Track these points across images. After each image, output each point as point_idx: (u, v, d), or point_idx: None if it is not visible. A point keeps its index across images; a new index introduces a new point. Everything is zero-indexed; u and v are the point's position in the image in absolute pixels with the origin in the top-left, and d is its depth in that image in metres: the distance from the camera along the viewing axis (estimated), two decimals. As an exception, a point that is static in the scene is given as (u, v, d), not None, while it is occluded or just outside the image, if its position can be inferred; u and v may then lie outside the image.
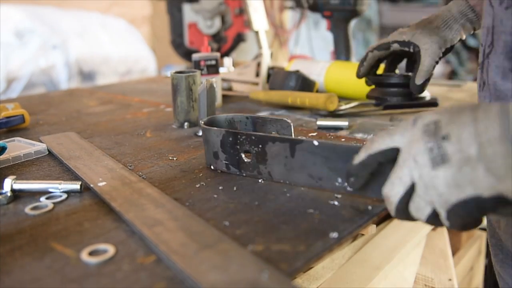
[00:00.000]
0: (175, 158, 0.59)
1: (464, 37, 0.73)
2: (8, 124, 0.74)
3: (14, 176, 0.48)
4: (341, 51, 1.07)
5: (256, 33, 1.04)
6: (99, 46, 2.17)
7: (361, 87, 0.90)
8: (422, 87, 0.75)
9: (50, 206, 0.45)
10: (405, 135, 0.38)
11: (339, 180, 0.44)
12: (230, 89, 1.06)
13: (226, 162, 0.52)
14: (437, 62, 0.73)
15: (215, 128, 0.52)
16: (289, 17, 2.86)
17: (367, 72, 0.81)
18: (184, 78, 0.73)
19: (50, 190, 0.48)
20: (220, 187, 0.49)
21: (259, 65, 1.03)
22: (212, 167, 0.54)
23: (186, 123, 0.75)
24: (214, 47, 1.38)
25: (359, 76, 0.82)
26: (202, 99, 0.67)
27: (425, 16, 0.75)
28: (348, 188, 0.43)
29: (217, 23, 1.38)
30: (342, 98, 0.91)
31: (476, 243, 1.01)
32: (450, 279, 0.75)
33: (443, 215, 0.36)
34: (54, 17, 2.09)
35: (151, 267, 0.34)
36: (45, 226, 0.41)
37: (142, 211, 0.42)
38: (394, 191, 0.37)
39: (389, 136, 0.39)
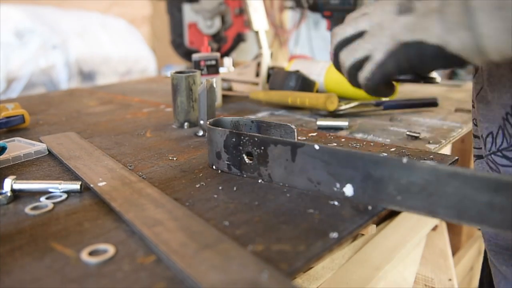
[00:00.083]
0: (175, 158, 0.59)
1: None
2: (8, 124, 0.74)
3: (14, 176, 0.48)
4: (341, 51, 1.06)
5: (256, 33, 1.04)
6: (99, 46, 2.17)
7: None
8: None
9: (50, 206, 0.45)
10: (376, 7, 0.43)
11: (337, 185, 0.44)
12: (230, 89, 1.06)
13: (228, 162, 0.52)
14: None
15: (220, 128, 0.52)
16: (289, 17, 2.86)
17: None
18: (184, 78, 0.73)
19: (50, 190, 0.48)
20: (220, 187, 0.49)
21: (259, 65, 1.03)
22: (214, 167, 0.54)
23: (186, 123, 0.75)
24: (214, 47, 1.38)
25: None
26: (202, 99, 0.67)
27: None
28: (346, 194, 0.44)
29: (217, 23, 1.38)
30: (342, 98, 0.91)
31: (476, 243, 1.01)
32: (450, 279, 0.75)
33: (376, 59, 0.40)
34: (54, 17, 2.09)
35: (151, 267, 0.34)
36: (45, 226, 0.41)
37: (142, 211, 0.42)
38: (350, 57, 0.42)
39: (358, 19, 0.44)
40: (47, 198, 0.47)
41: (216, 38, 1.40)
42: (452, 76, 3.46)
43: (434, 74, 0.49)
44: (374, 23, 0.40)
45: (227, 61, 1.22)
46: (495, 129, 0.51)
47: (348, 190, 0.43)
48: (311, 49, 2.43)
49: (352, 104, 0.83)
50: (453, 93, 1.05)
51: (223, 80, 1.07)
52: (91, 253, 0.36)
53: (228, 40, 1.43)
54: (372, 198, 0.42)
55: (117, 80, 2.18)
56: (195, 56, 0.86)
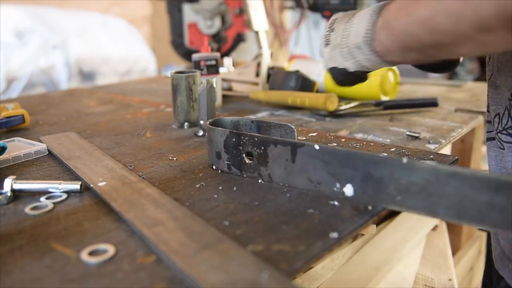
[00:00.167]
0: (175, 158, 0.59)
1: None
2: (8, 124, 0.74)
3: (14, 176, 0.48)
4: (341, 51, 1.06)
5: (256, 33, 1.04)
6: (99, 46, 2.17)
7: (361, 87, 0.90)
8: None
9: (50, 206, 0.45)
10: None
11: (337, 185, 0.44)
12: (230, 89, 1.06)
13: (228, 162, 0.52)
14: None
15: (220, 128, 0.52)
16: (289, 17, 2.86)
17: None
18: (184, 78, 0.73)
19: (50, 190, 0.48)
20: (220, 187, 0.49)
21: (259, 65, 1.03)
22: (214, 167, 0.54)
23: (186, 123, 0.75)
24: (214, 47, 1.38)
25: None
26: (202, 99, 0.67)
27: None
28: (346, 194, 0.44)
29: (217, 23, 1.38)
30: (342, 98, 0.91)
31: (476, 243, 1.01)
32: (450, 279, 0.75)
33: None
34: (54, 17, 2.09)
35: (151, 267, 0.34)
36: (45, 226, 0.41)
37: (142, 211, 0.42)
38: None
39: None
40: (47, 198, 0.47)
41: (216, 38, 1.40)
42: (452, 76, 3.46)
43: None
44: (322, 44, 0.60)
45: (227, 61, 1.22)
46: (501, 110, 0.55)
47: (348, 190, 0.43)
48: (311, 49, 2.43)
49: (352, 104, 0.83)
50: (453, 93, 1.05)
51: (223, 80, 1.07)
52: (91, 253, 0.36)
53: (228, 40, 1.43)
54: (372, 198, 0.42)
55: (117, 80, 2.18)
56: (195, 56, 0.86)
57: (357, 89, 0.90)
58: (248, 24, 1.11)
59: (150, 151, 0.63)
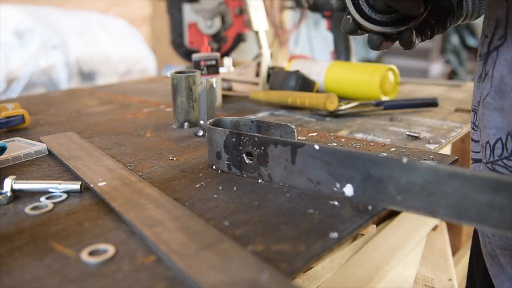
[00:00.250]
0: (175, 158, 0.59)
1: None
2: (8, 124, 0.74)
3: (14, 176, 0.48)
4: (341, 51, 1.07)
5: (256, 33, 1.04)
6: (99, 46, 2.17)
7: (361, 87, 0.90)
8: None
9: (50, 206, 0.45)
10: None
11: (337, 185, 0.44)
12: (230, 89, 1.06)
13: (228, 162, 0.52)
14: None
15: (220, 128, 0.52)
16: (289, 17, 2.86)
17: None
18: (184, 78, 0.73)
19: (50, 190, 0.48)
20: (220, 187, 0.49)
21: (259, 65, 1.03)
22: (214, 167, 0.54)
23: (186, 123, 0.75)
24: (214, 47, 1.38)
25: None
26: (202, 99, 0.67)
27: None
28: (346, 194, 0.44)
29: (217, 23, 1.38)
30: (342, 98, 0.91)
31: (476, 243, 1.01)
32: (450, 279, 0.75)
33: None
34: (54, 17, 2.09)
35: (151, 267, 0.34)
36: (45, 226, 0.41)
37: (142, 211, 0.42)
38: None
39: None
40: (47, 198, 0.47)
41: (216, 38, 1.40)
42: (452, 76, 3.46)
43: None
44: None
45: (227, 61, 1.22)
46: (503, 135, 0.50)
47: (348, 190, 0.43)
48: (311, 49, 2.43)
49: (352, 104, 0.83)
50: (453, 93, 1.05)
51: (223, 80, 1.07)
52: (91, 253, 0.36)
53: (228, 40, 1.43)
54: (372, 198, 0.42)
55: (117, 80, 2.18)
56: (195, 56, 0.86)
57: (357, 89, 0.91)
58: (248, 24, 1.11)
59: (150, 151, 0.63)
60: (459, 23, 0.58)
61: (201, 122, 0.69)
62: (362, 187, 0.42)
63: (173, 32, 1.43)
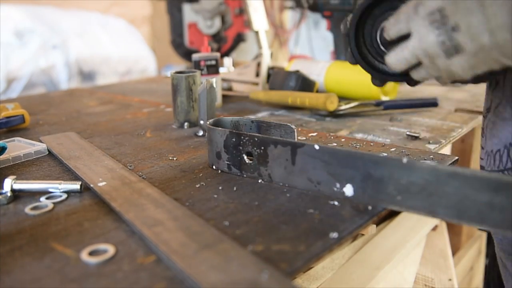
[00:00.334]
0: (175, 158, 0.59)
1: None
2: (8, 124, 0.74)
3: (14, 176, 0.48)
4: (341, 51, 1.07)
5: (256, 33, 1.04)
6: (99, 46, 2.17)
7: (361, 87, 0.90)
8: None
9: (50, 206, 0.45)
10: (409, 22, 0.40)
11: (337, 185, 0.44)
12: (230, 89, 1.06)
13: (228, 162, 0.52)
14: None
15: (220, 128, 0.52)
16: (289, 17, 2.86)
17: None
18: (184, 78, 0.73)
19: (50, 190, 0.48)
20: (220, 187, 0.49)
21: (259, 65, 1.03)
22: (214, 167, 0.54)
23: (186, 123, 0.75)
24: (214, 47, 1.38)
25: None
26: (202, 99, 0.67)
27: None
28: (346, 194, 0.44)
29: (217, 23, 1.38)
30: (342, 98, 0.91)
31: (476, 243, 1.01)
32: (450, 279, 0.75)
33: (448, 80, 0.42)
34: (54, 17, 2.09)
35: (151, 267, 0.34)
36: (45, 226, 0.41)
37: (142, 211, 0.42)
38: (397, 66, 0.43)
39: (397, 24, 0.41)
40: (47, 198, 0.47)
41: (216, 38, 1.40)
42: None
43: None
44: (424, 61, 0.40)
45: (227, 61, 1.22)
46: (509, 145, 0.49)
47: (348, 190, 0.43)
48: (311, 49, 2.43)
49: (352, 104, 0.83)
50: (453, 93, 1.05)
51: (223, 80, 1.07)
52: (91, 253, 0.36)
53: (228, 40, 1.43)
54: (372, 198, 0.42)
55: (117, 80, 2.18)
56: (195, 56, 0.86)
57: (357, 89, 0.91)
58: (248, 24, 1.11)
59: (150, 151, 0.63)
60: None
61: (201, 122, 0.69)
62: (362, 187, 0.42)
63: (173, 32, 1.43)
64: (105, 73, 2.15)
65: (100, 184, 0.48)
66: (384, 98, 0.90)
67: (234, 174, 0.52)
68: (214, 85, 0.67)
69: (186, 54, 1.43)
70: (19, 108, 0.79)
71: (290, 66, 1.01)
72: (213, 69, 0.87)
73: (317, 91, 0.92)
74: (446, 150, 0.86)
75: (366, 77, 0.83)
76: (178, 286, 0.32)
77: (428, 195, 0.38)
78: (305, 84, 0.89)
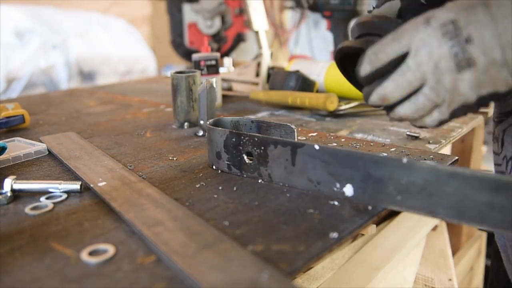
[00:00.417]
0: (175, 158, 0.59)
1: None
2: (8, 124, 0.74)
3: (14, 176, 0.48)
4: (341, 51, 1.07)
5: (256, 33, 1.04)
6: (99, 46, 2.17)
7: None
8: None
9: (50, 206, 0.45)
10: (416, 36, 0.37)
11: (337, 185, 0.44)
12: (230, 89, 1.06)
13: (228, 162, 0.52)
14: None
15: (220, 128, 0.52)
16: (289, 17, 2.85)
17: None
18: (184, 78, 0.73)
19: (50, 190, 0.48)
20: (220, 187, 0.49)
21: (259, 65, 1.03)
22: (214, 167, 0.54)
23: (186, 123, 0.75)
24: (214, 47, 1.38)
25: None
26: (202, 99, 0.67)
27: None
28: (346, 194, 0.44)
29: (217, 23, 1.38)
30: (342, 98, 0.91)
31: (476, 243, 1.01)
32: (450, 279, 0.75)
33: (446, 111, 0.38)
34: (54, 17, 2.09)
35: (151, 267, 0.34)
36: (45, 226, 0.41)
37: (142, 211, 0.42)
38: (396, 93, 0.38)
39: (396, 41, 0.37)
40: (47, 198, 0.47)
41: (216, 38, 1.40)
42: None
43: None
44: (430, 82, 0.36)
45: (227, 61, 1.22)
46: None
47: (348, 190, 0.43)
48: (311, 49, 2.43)
49: (352, 104, 0.83)
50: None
51: (223, 80, 1.07)
52: (91, 253, 0.36)
53: (228, 40, 1.43)
54: (372, 198, 0.42)
55: (117, 80, 2.18)
56: (195, 56, 0.86)
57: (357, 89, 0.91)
58: (248, 24, 1.11)
59: (150, 151, 0.63)
60: None
61: (201, 122, 0.69)
62: (362, 187, 0.42)
63: (173, 32, 1.43)
64: (105, 73, 2.15)
65: (100, 184, 0.48)
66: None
67: (234, 174, 0.52)
68: (214, 85, 0.67)
69: (186, 54, 1.43)
70: (19, 108, 0.79)
71: (290, 66, 1.01)
72: (213, 69, 0.87)
73: (317, 91, 0.92)
74: (446, 150, 0.86)
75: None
76: (178, 286, 0.32)
77: (428, 195, 0.38)
78: (305, 84, 0.89)
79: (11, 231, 0.40)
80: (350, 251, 0.59)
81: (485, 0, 0.35)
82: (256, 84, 1.03)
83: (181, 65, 1.63)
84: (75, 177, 0.53)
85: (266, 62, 1.01)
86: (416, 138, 0.67)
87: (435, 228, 0.80)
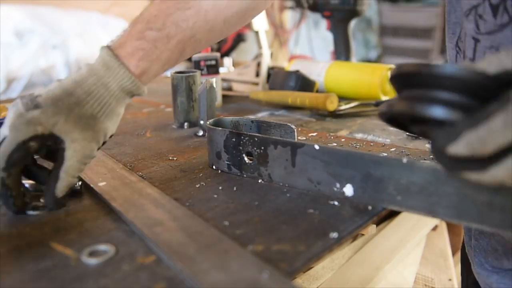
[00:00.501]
0: (175, 158, 0.59)
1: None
2: (8, 124, 0.74)
3: (14, 176, 0.48)
4: (341, 51, 1.07)
5: (256, 33, 1.04)
6: (99, 46, 2.17)
7: (361, 87, 0.90)
8: (61, 201, 0.42)
9: (50, 206, 0.45)
10: None
11: (337, 185, 0.44)
12: (230, 89, 1.06)
13: (228, 162, 0.52)
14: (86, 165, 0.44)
15: (220, 128, 0.52)
16: (289, 17, 2.86)
17: None
18: (184, 78, 0.73)
19: (50, 190, 0.48)
20: (220, 187, 0.49)
21: (259, 65, 1.03)
22: (214, 167, 0.54)
23: (186, 123, 0.75)
24: (214, 47, 1.38)
25: None
26: (202, 99, 0.67)
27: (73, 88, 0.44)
28: (346, 194, 0.44)
29: (217, 23, 1.37)
30: (342, 98, 0.91)
31: (476, 243, 1.01)
32: (450, 279, 0.75)
33: None
34: (54, 17, 2.09)
35: (151, 267, 0.34)
36: (45, 226, 0.41)
37: (142, 211, 0.42)
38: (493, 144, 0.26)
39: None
40: (47, 198, 0.47)
41: (216, 38, 1.40)
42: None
43: None
44: None
45: (227, 61, 1.22)
46: None
47: (348, 190, 0.43)
48: (311, 49, 2.43)
49: (352, 104, 0.83)
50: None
51: (223, 80, 1.07)
52: (91, 253, 0.36)
53: (228, 40, 1.43)
54: (372, 198, 0.42)
55: (117, 80, 2.17)
56: (195, 56, 0.86)
57: (357, 89, 0.91)
58: (248, 24, 1.11)
59: (150, 151, 0.63)
60: None
61: (201, 122, 0.69)
62: (362, 187, 0.42)
63: (173, 32, 1.43)
64: (105, 73, 2.15)
65: (100, 184, 0.48)
66: (384, 98, 0.90)
67: (234, 174, 0.52)
68: (214, 85, 0.67)
69: (186, 54, 1.43)
70: (19, 108, 0.79)
71: (290, 66, 1.01)
72: (213, 69, 0.87)
73: (317, 91, 0.92)
74: (446, 150, 0.86)
75: (366, 77, 0.83)
76: (178, 286, 0.32)
77: (428, 195, 0.38)
78: (305, 84, 0.89)
79: (11, 231, 0.40)
80: (350, 251, 0.59)
81: None
82: (256, 84, 1.03)
83: (181, 65, 1.63)
84: (75, 177, 0.53)
85: (266, 62, 1.01)
86: (416, 138, 0.67)
87: (435, 228, 0.80)
